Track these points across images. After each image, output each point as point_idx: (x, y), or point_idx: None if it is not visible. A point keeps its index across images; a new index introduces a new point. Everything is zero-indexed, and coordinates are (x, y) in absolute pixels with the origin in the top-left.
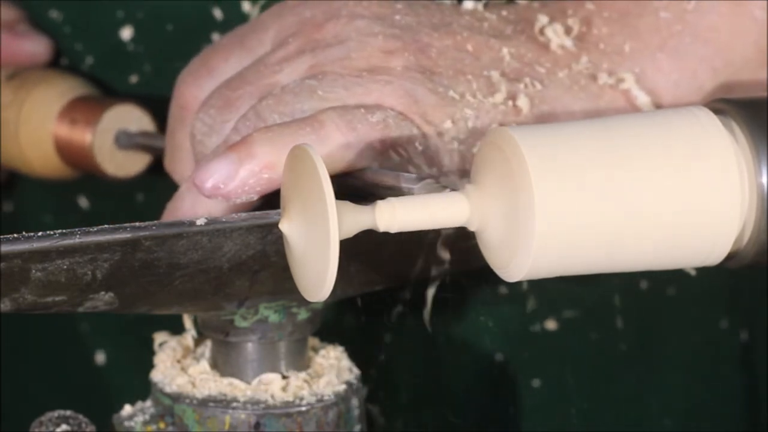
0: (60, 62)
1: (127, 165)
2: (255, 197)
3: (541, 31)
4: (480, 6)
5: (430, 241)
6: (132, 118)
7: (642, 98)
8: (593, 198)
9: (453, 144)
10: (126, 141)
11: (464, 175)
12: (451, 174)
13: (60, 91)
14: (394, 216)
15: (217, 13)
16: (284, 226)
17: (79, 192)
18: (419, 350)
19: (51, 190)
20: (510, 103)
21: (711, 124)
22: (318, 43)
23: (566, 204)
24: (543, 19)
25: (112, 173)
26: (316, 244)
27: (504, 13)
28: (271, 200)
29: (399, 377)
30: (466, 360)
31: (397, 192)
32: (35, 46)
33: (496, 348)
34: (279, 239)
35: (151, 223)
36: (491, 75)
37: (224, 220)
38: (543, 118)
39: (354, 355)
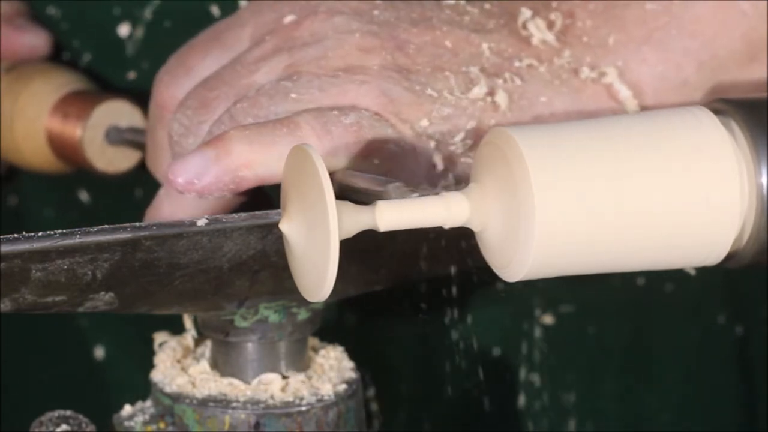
0: (59, 58)
1: (117, 161)
2: (228, 195)
3: (524, 26)
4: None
5: (430, 241)
6: (124, 113)
7: (624, 92)
8: (593, 198)
9: (430, 142)
10: (116, 137)
11: (444, 173)
12: (423, 177)
13: (56, 85)
14: (394, 216)
15: (215, 10)
16: (284, 226)
17: (80, 186)
18: (417, 347)
19: (52, 184)
20: (489, 99)
21: (711, 124)
22: (295, 42)
23: (566, 204)
24: (526, 12)
25: (102, 168)
26: (316, 244)
27: (487, 6)
28: (256, 200)
29: (397, 374)
30: (463, 355)
31: (368, 195)
32: (34, 40)
33: (493, 343)
34: (279, 239)
35: (151, 223)
36: (470, 71)
37: (224, 220)
38: (522, 113)
39: (354, 355)
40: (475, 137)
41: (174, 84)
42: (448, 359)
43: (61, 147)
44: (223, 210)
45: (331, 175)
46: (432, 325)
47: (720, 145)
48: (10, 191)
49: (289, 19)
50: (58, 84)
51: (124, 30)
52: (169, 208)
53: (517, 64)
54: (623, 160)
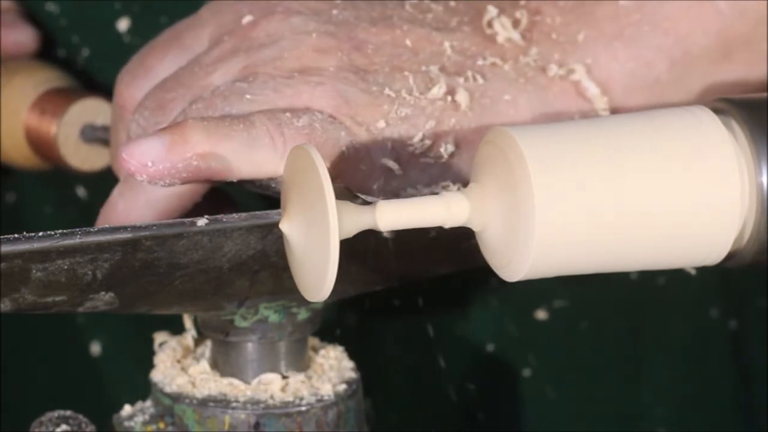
0: (57, 54)
1: (92, 159)
2: (178, 183)
3: (489, 24)
4: None
5: (430, 241)
6: (100, 111)
7: (592, 90)
8: (593, 198)
9: (386, 144)
10: (91, 135)
11: (401, 175)
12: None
13: (37, 81)
14: (394, 216)
15: None
16: (284, 226)
17: (77, 182)
18: (412, 342)
19: (49, 180)
20: (449, 98)
21: (711, 124)
22: (252, 42)
23: (566, 204)
24: (492, 10)
25: (76, 166)
26: (316, 244)
27: (452, 4)
28: (216, 200)
29: (393, 370)
30: (457, 350)
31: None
32: (20, 36)
33: (487, 338)
34: (279, 239)
35: (151, 223)
36: (430, 70)
37: (224, 220)
38: (485, 112)
39: (354, 355)
40: (435, 137)
41: (133, 84)
42: (440, 351)
43: (37, 143)
44: (179, 210)
45: (275, 178)
46: (430, 324)
47: (720, 144)
48: (8, 188)
49: (247, 19)
50: (39, 80)
51: (122, 25)
52: (123, 206)
53: (480, 62)
54: (623, 160)
